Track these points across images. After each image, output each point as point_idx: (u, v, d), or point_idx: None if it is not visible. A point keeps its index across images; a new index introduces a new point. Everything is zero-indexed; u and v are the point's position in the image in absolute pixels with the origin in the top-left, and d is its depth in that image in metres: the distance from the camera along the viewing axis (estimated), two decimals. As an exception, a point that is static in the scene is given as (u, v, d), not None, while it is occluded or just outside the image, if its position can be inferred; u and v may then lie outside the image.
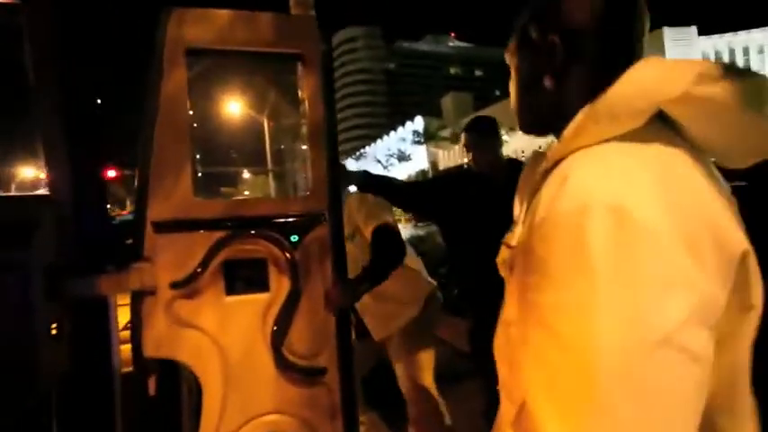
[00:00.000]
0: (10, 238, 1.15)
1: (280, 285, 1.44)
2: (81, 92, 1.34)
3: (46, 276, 1.19)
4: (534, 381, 0.43)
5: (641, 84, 0.43)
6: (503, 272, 0.59)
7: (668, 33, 26.76)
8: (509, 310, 0.54)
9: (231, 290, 1.42)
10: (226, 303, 1.41)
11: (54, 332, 1.23)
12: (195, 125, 1.61)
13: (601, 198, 0.39)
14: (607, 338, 0.37)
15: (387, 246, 1.84)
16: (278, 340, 1.39)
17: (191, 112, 1.48)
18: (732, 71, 0.40)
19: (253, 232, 1.40)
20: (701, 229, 0.40)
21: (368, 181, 1.91)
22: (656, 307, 0.37)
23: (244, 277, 1.43)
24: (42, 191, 1.29)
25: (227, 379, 1.37)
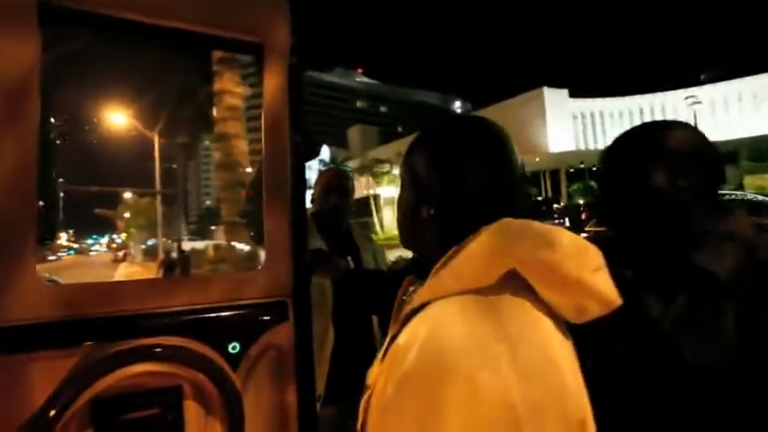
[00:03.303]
0: None
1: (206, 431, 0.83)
2: None
3: None
4: None
5: (495, 245, 0.48)
6: (361, 411, 0.55)
7: (547, 94, 30.79)
8: None
9: (108, 452, 0.77)
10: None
11: None
12: (56, 136, 0.97)
13: (458, 367, 0.41)
14: None
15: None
16: None
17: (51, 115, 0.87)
18: (573, 241, 0.48)
19: (156, 346, 0.79)
20: (548, 399, 0.42)
21: (357, 281, 1.20)
22: None
23: (136, 424, 0.80)
24: None
25: None
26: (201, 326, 0.84)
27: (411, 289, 0.57)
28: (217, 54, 5.24)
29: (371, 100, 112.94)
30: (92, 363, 0.74)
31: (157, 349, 0.79)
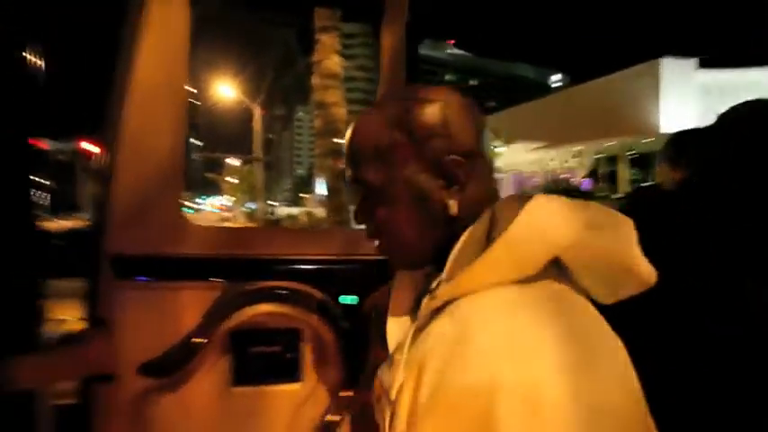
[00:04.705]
0: None
1: (321, 374, 0.91)
2: None
3: None
4: None
5: (538, 230, 0.42)
6: (377, 413, 0.50)
7: (666, 65, 26.85)
8: None
9: (242, 378, 0.89)
10: (232, 398, 0.88)
11: None
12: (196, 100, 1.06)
13: (510, 378, 0.36)
14: None
15: None
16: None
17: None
18: (613, 219, 0.43)
19: (281, 288, 0.87)
20: (619, 399, 0.38)
21: None
22: None
23: (262, 358, 0.90)
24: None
25: None
26: (323, 276, 0.90)
27: (434, 285, 0.47)
28: (319, 22, 5.40)
29: (461, 72, 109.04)
30: (229, 297, 0.85)
31: (284, 291, 0.87)
